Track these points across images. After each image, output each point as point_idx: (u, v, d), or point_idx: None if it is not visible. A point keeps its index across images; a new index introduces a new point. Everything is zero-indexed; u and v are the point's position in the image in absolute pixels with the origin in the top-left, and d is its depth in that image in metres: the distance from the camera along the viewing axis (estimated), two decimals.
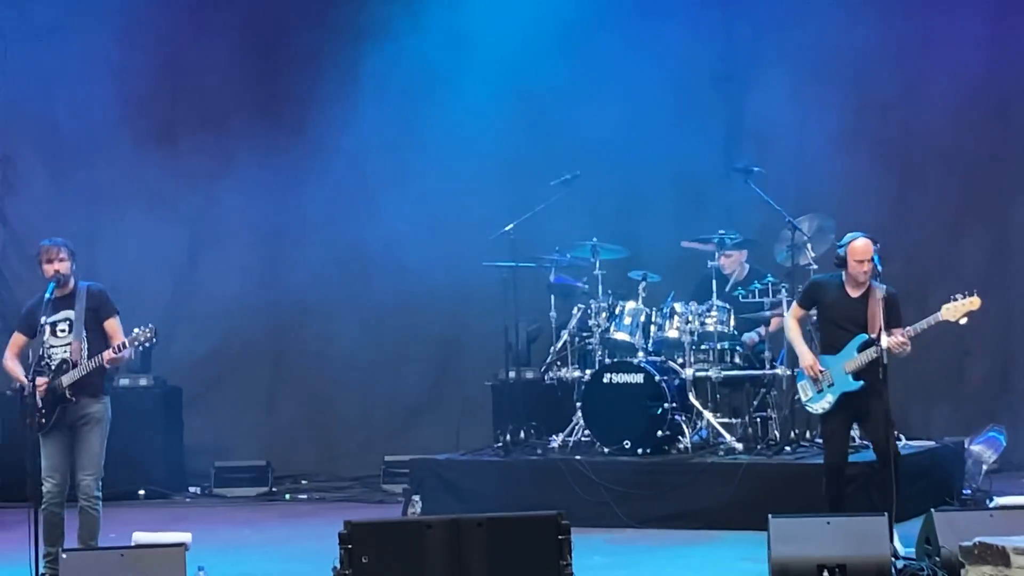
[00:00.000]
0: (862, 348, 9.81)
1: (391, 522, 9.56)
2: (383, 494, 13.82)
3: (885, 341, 9.56)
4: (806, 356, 10.13)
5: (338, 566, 8.13)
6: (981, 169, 14.34)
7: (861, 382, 9.81)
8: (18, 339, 9.80)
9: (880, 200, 13.97)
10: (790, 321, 10.40)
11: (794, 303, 10.58)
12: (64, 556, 8.61)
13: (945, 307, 9.70)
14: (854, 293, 9.93)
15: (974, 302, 9.65)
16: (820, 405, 10.03)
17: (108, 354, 9.44)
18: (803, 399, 10.21)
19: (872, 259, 9.80)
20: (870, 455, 10.22)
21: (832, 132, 14.16)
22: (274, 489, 14.30)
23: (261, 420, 15.36)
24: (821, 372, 9.98)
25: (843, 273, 9.99)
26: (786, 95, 14.29)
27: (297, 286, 15.23)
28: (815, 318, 10.69)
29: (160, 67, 15.22)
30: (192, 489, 14.39)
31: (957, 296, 9.70)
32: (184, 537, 9.26)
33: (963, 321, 9.74)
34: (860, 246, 9.85)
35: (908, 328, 9.77)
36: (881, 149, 14.44)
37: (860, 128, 14.31)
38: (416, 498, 12.07)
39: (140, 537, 9.54)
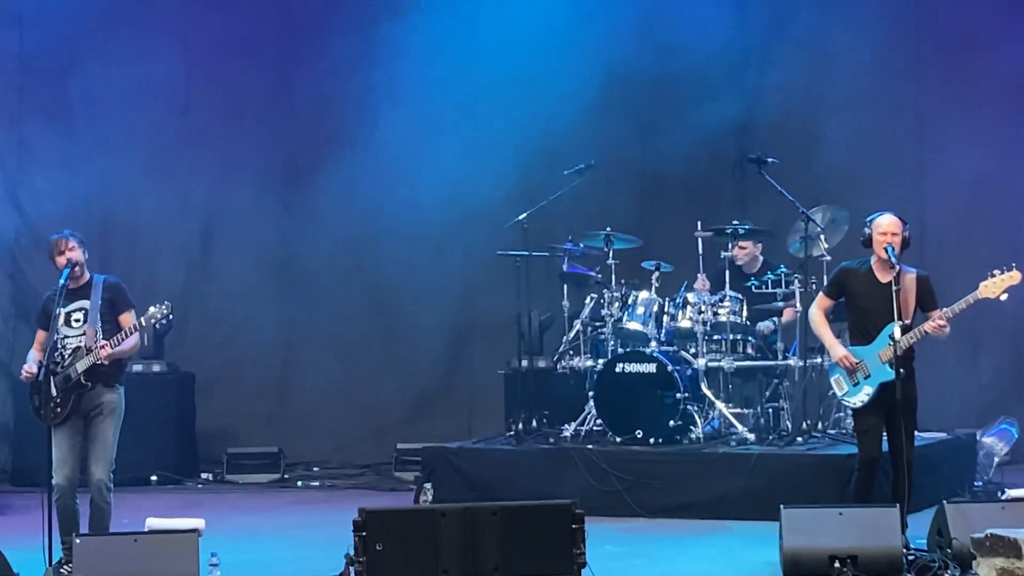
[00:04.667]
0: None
1: (405, 510, 9.59)
2: (395, 481, 13.84)
3: (898, 333, 9.28)
4: (837, 349, 9.65)
5: (352, 553, 8.15)
6: (995, 160, 14.30)
7: (901, 370, 9.35)
8: (40, 335, 9.65)
9: (894, 191, 13.94)
10: (816, 313, 9.88)
11: (820, 293, 10.10)
12: (78, 541, 8.66)
13: (983, 284, 9.31)
14: (884, 278, 9.51)
15: (1015, 276, 9.26)
16: (858, 398, 9.60)
17: (105, 350, 9.33)
18: (838, 394, 9.77)
19: (902, 234, 9.48)
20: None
21: (846, 122, 14.16)
22: (286, 476, 14.34)
23: (273, 407, 15.38)
24: (856, 364, 9.55)
25: (871, 258, 9.61)
26: (800, 85, 14.30)
27: (310, 273, 15.28)
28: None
29: (176, 53, 15.20)
30: (204, 475, 14.40)
31: (995, 272, 9.32)
32: (197, 523, 9.26)
33: (1003, 297, 9.32)
34: (885, 219, 9.53)
35: (945, 309, 9.40)
36: (895, 139, 14.44)
37: (873, 118, 14.30)
38: (428, 486, 12.10)
39: (153, 523, 9.53)
